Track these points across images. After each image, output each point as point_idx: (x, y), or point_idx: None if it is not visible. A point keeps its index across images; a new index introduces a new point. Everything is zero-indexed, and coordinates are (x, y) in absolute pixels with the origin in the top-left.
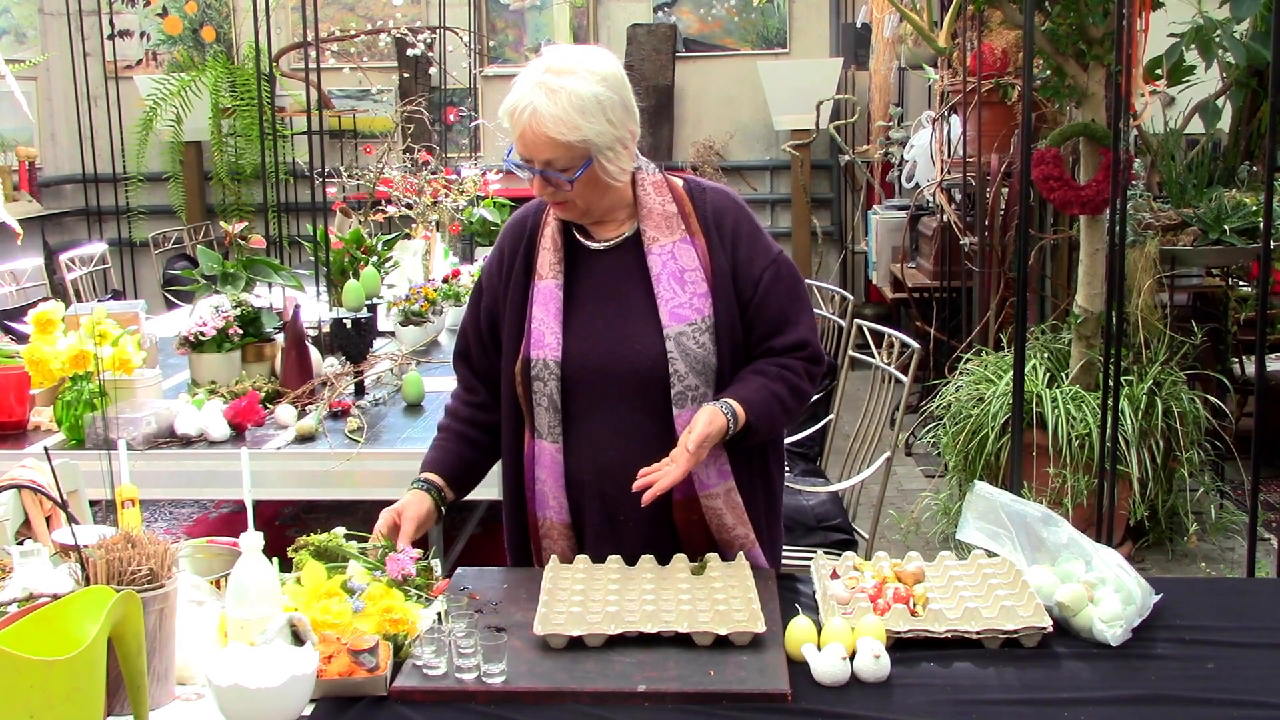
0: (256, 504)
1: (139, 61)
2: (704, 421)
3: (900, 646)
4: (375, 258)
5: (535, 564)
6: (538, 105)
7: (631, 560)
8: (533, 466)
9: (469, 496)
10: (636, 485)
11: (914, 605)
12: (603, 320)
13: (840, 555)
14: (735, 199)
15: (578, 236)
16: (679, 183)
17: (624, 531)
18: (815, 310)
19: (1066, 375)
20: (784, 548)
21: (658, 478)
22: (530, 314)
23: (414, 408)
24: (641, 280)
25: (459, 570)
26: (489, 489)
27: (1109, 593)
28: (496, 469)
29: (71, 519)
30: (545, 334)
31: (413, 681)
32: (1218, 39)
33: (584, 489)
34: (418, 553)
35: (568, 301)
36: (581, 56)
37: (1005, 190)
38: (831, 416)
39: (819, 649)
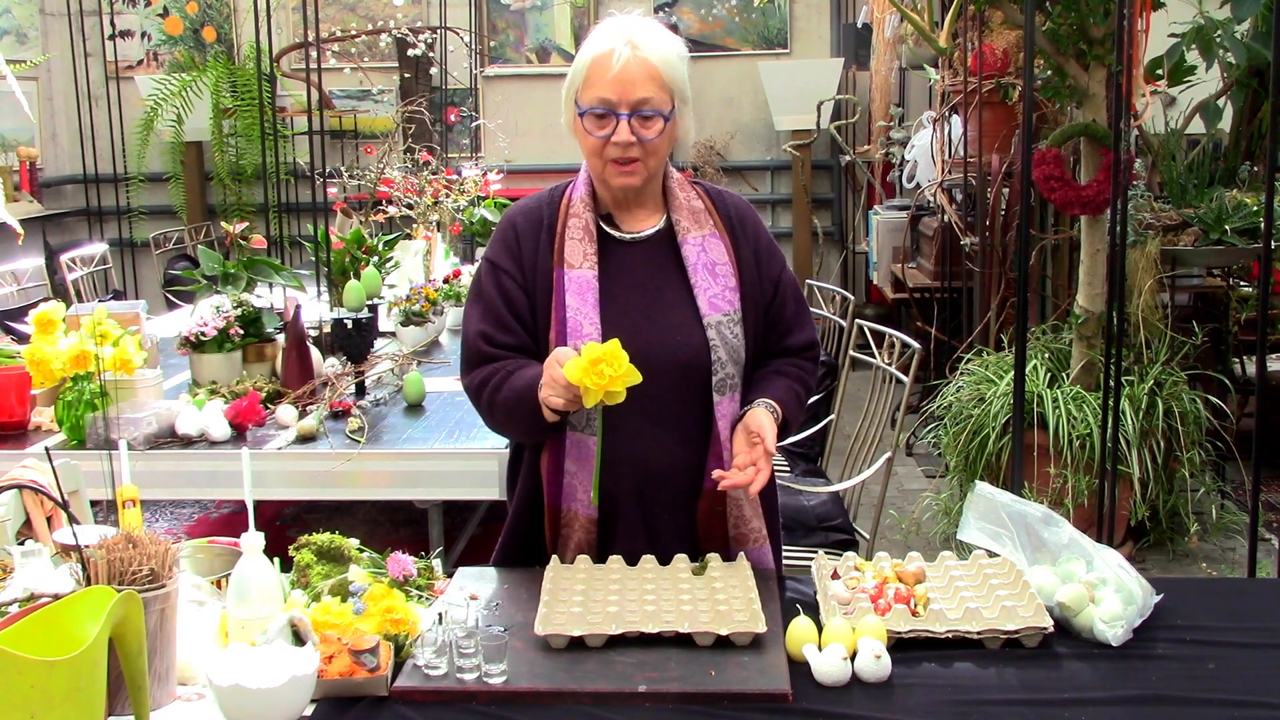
0: (257, 504)
1: (140, 62)
2: (768, 423)
3: (901, 647)
4: (376, 258)
5: (549, 553)
6: (639, 41)
7: (656, 552)
8: (559, 458)
9: (467, 498)
10: (721, 480)
11: (915, 605)
12: (639, 311)
13: (841, 555)
14: (751, 205)
15: (605, 228)
16: (696, 184)
17: (655, 522)
18: (816, 310)
19: (1067, 375)
20: (785, 548)
21: (745, 479)
22: (560, 302)
23: (415, 408)
24: (676, 272)
25: (459, 570)
26: (488, 489)
27: (1110, 593)
28: (498, 469)
29: (72, 519)
30: (583, 323)
31: (414, 681)
32: (1218, 39)
33: (618, 480)
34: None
35: (600, 292)
36: (655, 23)
37: (1006, 190)
38: (832, 416)
39: (820, 649)
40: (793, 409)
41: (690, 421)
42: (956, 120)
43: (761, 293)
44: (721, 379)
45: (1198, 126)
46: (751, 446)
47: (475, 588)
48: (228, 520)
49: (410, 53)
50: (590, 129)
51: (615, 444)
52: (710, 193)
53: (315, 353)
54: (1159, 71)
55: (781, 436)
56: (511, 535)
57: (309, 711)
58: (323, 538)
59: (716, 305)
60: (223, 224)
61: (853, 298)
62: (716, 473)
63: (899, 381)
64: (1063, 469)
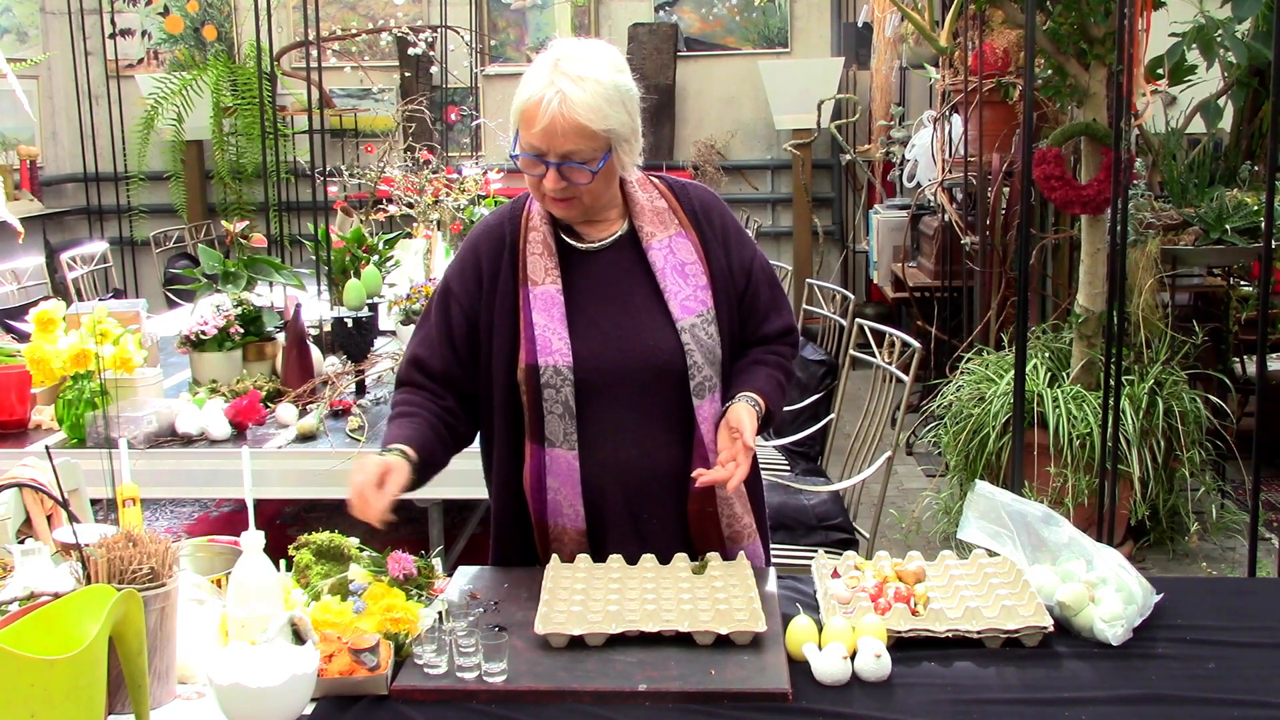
0: (257, 503)
1: (140, 60)
2: (747, 417)
3: (901, 646)
4: (376, 257)
5: (542, 564)
6: (568, 92)
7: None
8: (540, 476)
9: (467, 497)
10: (700, 478)
11: (915, 605)
12: (608, 320)
13: (841, 554)
14: (715, 194)
15: (566, 239)
16: (657, 180)
17: (647, 528)
18: (817, 310)
19: (1067, 375)
20: (785, 547)
21: (725, 475)
22: (528, 320)
23: None
24: (643, 277)
25: (459, 569)
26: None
27: (1110, 592)
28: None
29: (72, 518)
30: (552, 339)
31: (414, 680)
32: (1219, 39)
33: (603, 491)
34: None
35: (567, 305)
36: (593, 48)
37: (1006, 190)
38: (832, 416)
39: (820, 648)
40: (774, 398)
41: (672, 426)
42: (957, 119)
43: (734, 283)
44: (699, 382)
45: (1198, 126)
46: (731, 442)
47: (475, 587)
48: (228, 519)
49: (411, 51)
50: (524, 168)
51: (594, 456)
52: (673, 187)
53: (315, 351)
54: (1159, 71)
55: (765, 425)
56: (499, 547)
57: (309, 710)
58: (322, 537)
59: (689, 308)
60: (223, 222)
61: (853, 297)
62: (696, 471)
63: (899, 381)
64: (1063, 468)
